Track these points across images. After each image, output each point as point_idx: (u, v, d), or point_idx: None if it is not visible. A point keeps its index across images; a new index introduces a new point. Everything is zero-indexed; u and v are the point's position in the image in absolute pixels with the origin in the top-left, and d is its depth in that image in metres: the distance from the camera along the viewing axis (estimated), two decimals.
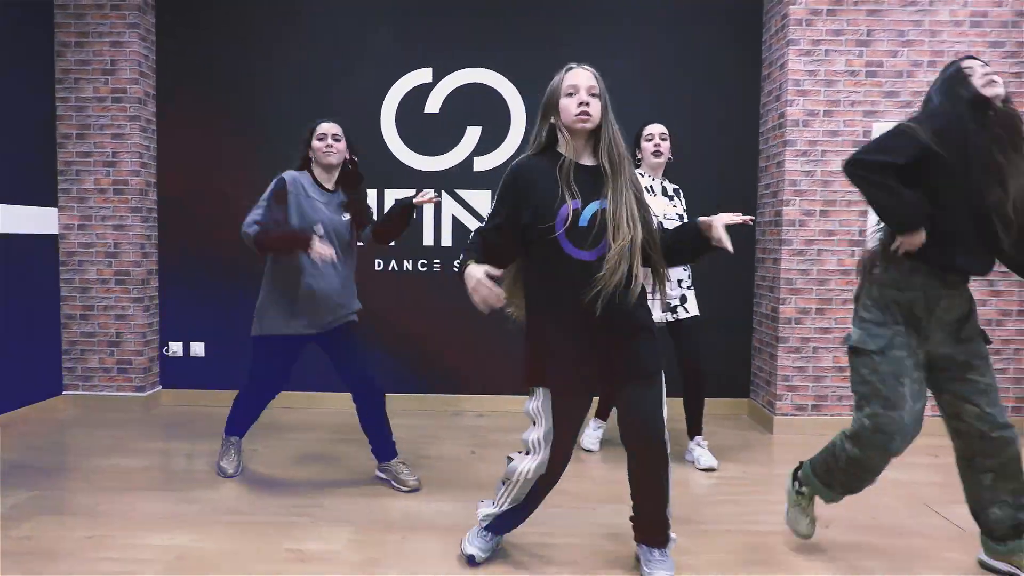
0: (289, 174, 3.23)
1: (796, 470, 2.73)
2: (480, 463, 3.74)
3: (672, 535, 2.44)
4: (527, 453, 2.41)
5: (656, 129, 3.67)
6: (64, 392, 4.73)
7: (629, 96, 4.70)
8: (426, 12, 4.74)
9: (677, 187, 3.78)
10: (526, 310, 2.38)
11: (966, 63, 2.41)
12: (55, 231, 4.66)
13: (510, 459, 2.47)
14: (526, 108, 4.75)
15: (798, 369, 4.38)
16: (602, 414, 4.03)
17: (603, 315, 2.17)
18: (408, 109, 4.79)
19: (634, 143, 3.69)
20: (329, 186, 3.29)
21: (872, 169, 2.31)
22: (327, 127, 3.25)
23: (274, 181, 3.21)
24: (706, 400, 3.81)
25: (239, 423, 3.49)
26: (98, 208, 4.67)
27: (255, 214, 3.12)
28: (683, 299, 3.67)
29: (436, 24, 4.76)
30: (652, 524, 2.41)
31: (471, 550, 2.53)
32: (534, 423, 2.38)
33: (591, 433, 4.01)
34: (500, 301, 2.19)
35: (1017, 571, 2.47)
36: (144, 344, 4.74)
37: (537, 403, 2.35)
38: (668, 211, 3.61)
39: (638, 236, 2.20)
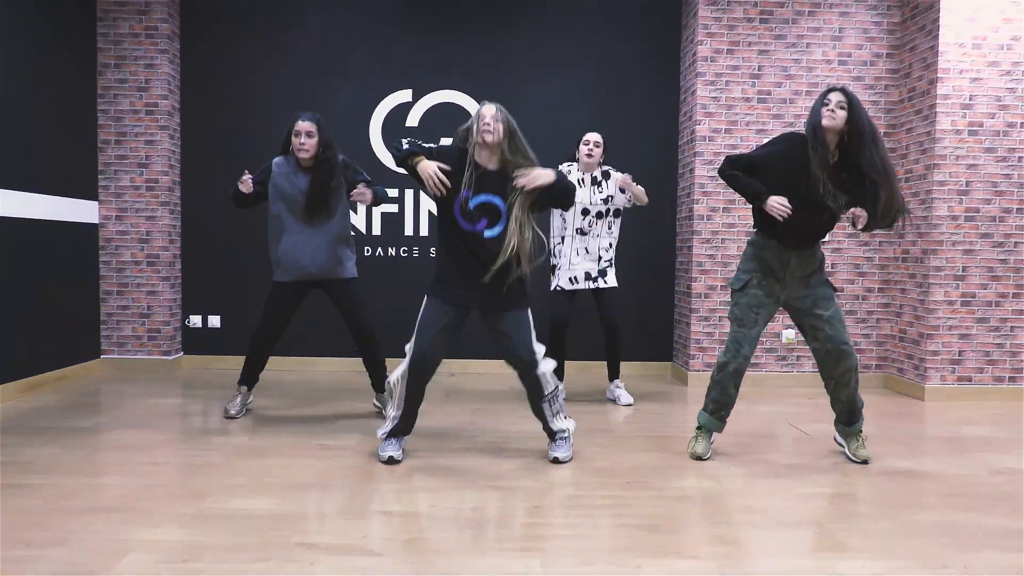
0: (277, 159, 4.12)
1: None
2: (453, 406, 4.77)
3: (564, 428, 3.52)
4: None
5: (592, 137, 4.72)
6: (102, 356, 5.64)
7: (569, 108, 5.81)
8: (403, 45, 5.78)
9: (607, 169, 4.77)
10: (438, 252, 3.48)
11: (828, 95, 3.28)
12: (96, 221, 5.58)
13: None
14: None
15: (707, 334, 5.49)
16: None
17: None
18: (392, 123, 5.81)
19: (575, 145, 4.76)
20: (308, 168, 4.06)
21: (724, 167, 3.47)
22: (302, 125, 3.95)
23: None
24: (636, 363, 4.98)
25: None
26: (132, 202, 5.60)
27: None
28: (603, 272, 4.73)
29: (415, 54, 5.80)
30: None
31: (387, 453, 3.41)
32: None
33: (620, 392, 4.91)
34: (447, 185, 3.23)
35: (847, 451, 3.63)
36: (170, 316, 5.68)
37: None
38: (593, 198, 4.68)
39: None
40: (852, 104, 3.24)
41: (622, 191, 4.66)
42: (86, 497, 2.86)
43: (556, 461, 3.45)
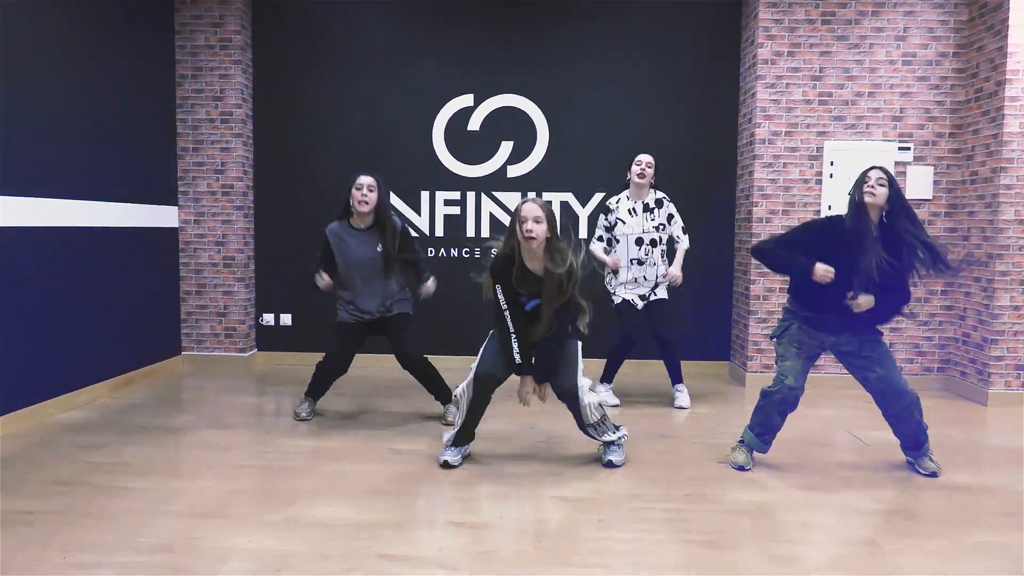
0: (330, 227, 4.33)
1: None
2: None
3: (614, 439, 3.70)
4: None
5: (644, 157, 4.82)
6: (183, 352, 5.99)
7: (627, 112, 5.87)
8: (467, 51, 5.92)
9: (661, 197, 4.89)
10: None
11: (868, 172, 3.46)
12: (175, 224, 5.89)
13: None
14: (548, 125, 5.92)
15: (765, 336, 5.54)
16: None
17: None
18: (454, 127, 5.97)
19: (627, 165, 4.87)
20: (363, 226, 4.27)
21: (765, 251, 3.65)
22: (363, 180, 4.20)
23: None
24: (694, 362, 5.22)
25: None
26: (209, 206, 5.90)
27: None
28: (656, 286, 4.85)
29: (477, 59, 5.93)
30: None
31: (443, 457, 3.64)
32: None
33: (608, 391, 5.03)
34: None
35: (928, 466, 3.66)
36: (245, 315, 5.98)
37: None
38: (646, 227, 4.79)
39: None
40: (891, 181, 3.44)
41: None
42: (186, 501, 3.12)
43: (611, 465, 3.64)
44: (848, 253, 3.42)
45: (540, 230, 3.43)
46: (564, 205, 5.97)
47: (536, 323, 3.54)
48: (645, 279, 4.81)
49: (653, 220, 4.82)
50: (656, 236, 4.80)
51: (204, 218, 5.92)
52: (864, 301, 3.44)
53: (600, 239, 4.92)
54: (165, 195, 5.76)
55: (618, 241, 4.83)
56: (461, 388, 3.64)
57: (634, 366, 5.81)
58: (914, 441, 3.67)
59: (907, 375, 5.46)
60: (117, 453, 3.74)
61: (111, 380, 5.02)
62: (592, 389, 3.71)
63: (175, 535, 2.79)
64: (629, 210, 4.83)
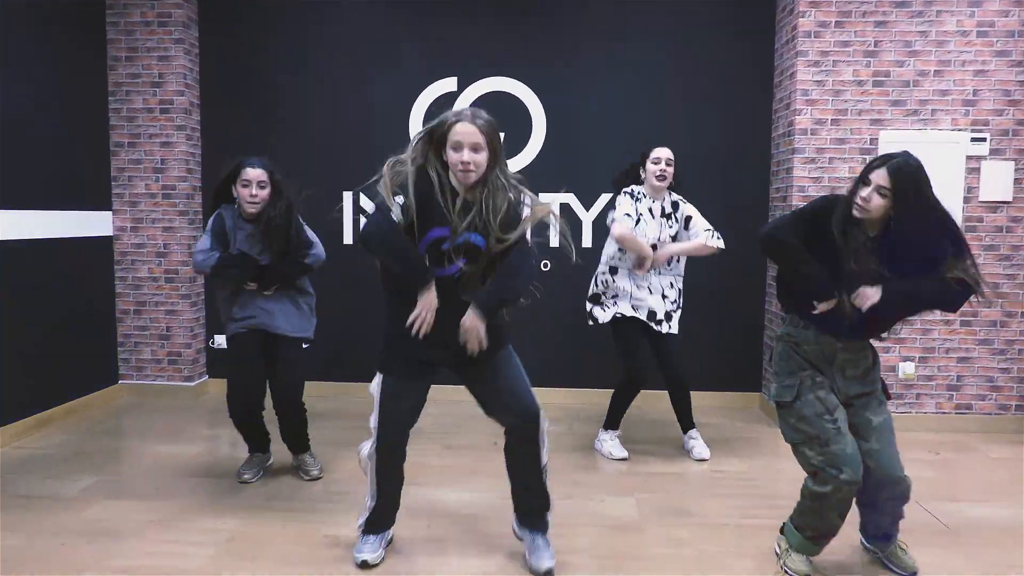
0: (223, 210, 3.46)
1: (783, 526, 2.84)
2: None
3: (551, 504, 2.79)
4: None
5: (663, 153, 3.85)
6: (120, 382, 5.14)
7: (638, 105, 4.93)
8: (450, 25, 4.99)
9: (677, 200, 3.97)
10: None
11: (870, 174, 2.44)
12: (110, 233, 5.03)
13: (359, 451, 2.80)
14: (546, 113, 4.99)
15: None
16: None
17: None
18: (435, 115, 5.04)
19: (639, 162, 3.92)
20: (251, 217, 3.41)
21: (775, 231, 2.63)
22: (253, 173, 3.30)
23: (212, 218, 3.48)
24: (717, 394, 4.45)
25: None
26: (149, 211, 5.03)
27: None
28: (668, 316, 3.91)
29: (459, 36, 5.00)
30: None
31: (361, 556, 2.73)
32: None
33: (614, 441, 4.09)
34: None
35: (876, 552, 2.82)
36: (192, 337, 5.12)
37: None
38: (663, 235, 3.87)
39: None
40: (898, 191, 2.43)
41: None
42: None
43: (550, 574, 2.67)
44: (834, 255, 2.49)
45: (480, 160, 2.45)
46: (565, 208, 5.05)
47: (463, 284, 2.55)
48: (649, 290, 3.87)
49: (671, 228, 3.91)
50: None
51: (143, 225, 5.05)
52: (870, 292, 2.44)
53: (629, 217, 3.83)
54: (96, 199, 4.90)
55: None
56: (364, 453, 2.74)
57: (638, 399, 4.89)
58: (883, 533, 2.77)
59: (978, 414, 4.52)
60: None
61: (23, 421, 4.18)
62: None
63: None
64: (649, 209, 3.89)
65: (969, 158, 4.43)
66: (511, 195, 2.53)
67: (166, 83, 4.95)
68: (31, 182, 4.25)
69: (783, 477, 3.70)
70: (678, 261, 3.96)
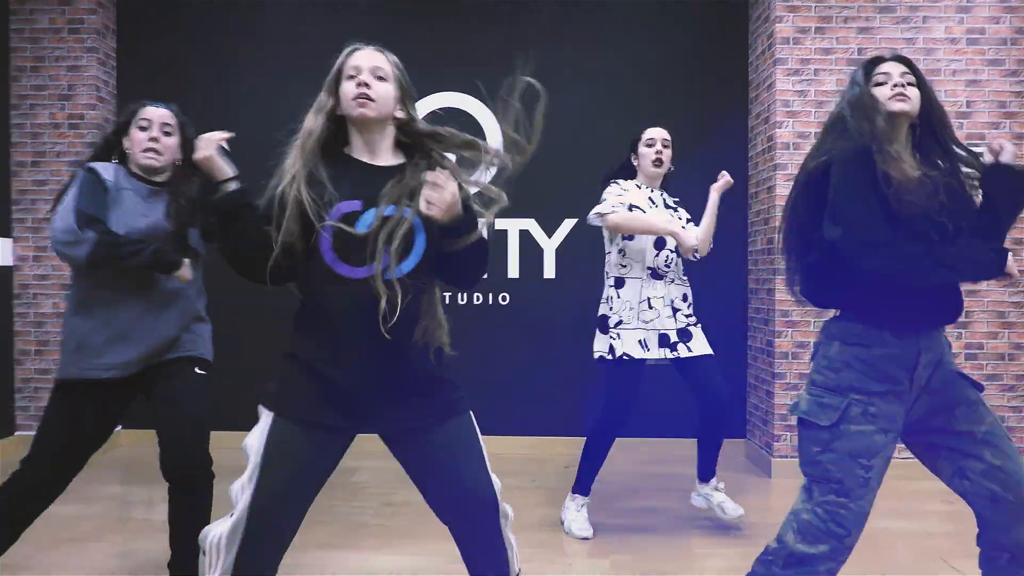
0: (92, 167, 2.35)
1: None
2: None
3: None
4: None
5: (658, 134, 3.27)
6: (17, 432, 4.49)
7: (602, 120, 4.53)
8: (396, 39, 4.57)
9: (677, 199, 3.43)
10: None
11: (882, 64, 2.00)
12: (9, 263, 4.45)
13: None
14: (502, 132, 4.54)
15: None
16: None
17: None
18: None
19: (630, 148, 3.37)
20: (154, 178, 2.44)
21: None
22: (155, 113, 2.40)
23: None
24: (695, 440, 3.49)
25: None
26: None
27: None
28: (685, 334, 3.20)
29: (407, 51, 4.57)
30: None
31: None
32: None
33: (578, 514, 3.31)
34: None
35: None
36: None
37: None
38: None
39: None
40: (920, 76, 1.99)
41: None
42: None
43: None
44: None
45: (386, 94, 1.79)
46: (524, 234, 4.57)
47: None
48: (663, 303, 3.17)
49: (680, 221, 3.27)
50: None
51: (47, 254, 4.46)
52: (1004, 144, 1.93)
53: (621, 205, 3.16)
54: None
55: (631, 238, 3.18)
56: (213, 537, 1.68)
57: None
58: None
59: None
60: None
61: None
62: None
63: None
64: (648, 199, 3.25)
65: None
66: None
67: (76, 95, 4.44)
68: None
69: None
70: (680, 267, 3.28)
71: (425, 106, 4.57)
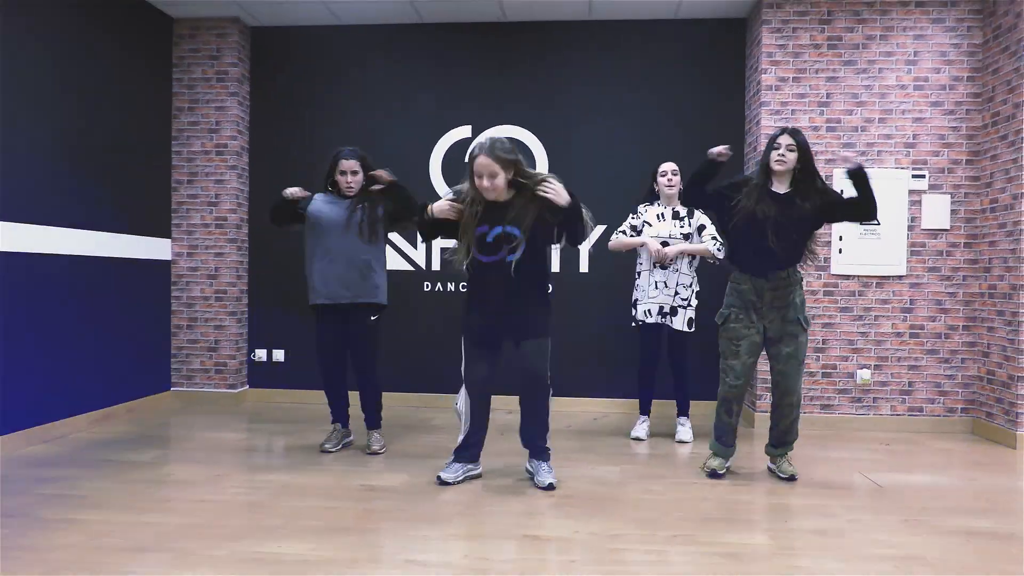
0: (319, 194, 4.31)
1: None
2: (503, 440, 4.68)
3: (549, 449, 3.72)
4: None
5: (668, 167, 4.74)
6: (172, 388, 5.82)
7: (625, 147, 5.70)
8: (464, 81, 5.82)
9: (688, 209, 4.75)
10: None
11: (777, 139, 3.67)
12: (168, 257, 5.79)
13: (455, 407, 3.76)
14: (546, 155, 5.76)
15: None
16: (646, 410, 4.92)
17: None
18: (452, 159, 5.83)
19: (651, 178, 4.80)
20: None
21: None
22: (347, 164, 4.14)
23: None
24: (699, 402, 5.07)
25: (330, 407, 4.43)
26: (203, 239, 5.80)
27: None
28: (673, 311, 4.65)
29: (473, 89, 5.82)
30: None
31: (441, 475, 3.64)
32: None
33: (639, 425, 4.85)
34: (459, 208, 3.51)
35: (774, 467, 3.91)
36: (236, 350, 5.82)
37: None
38: (673, 231, 4.64)
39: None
40: (801, 147, 3.63)
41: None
42: (127, 536, 2.89)
43: (551, 488, 3.55)
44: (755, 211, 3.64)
45: (499, 184, 3.34)
46: None
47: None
48: (666, 285, 4.64)
49: (682, 227, 4.68)
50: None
51: (197, 251, 5.82)
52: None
53: (624, 233, 4.76)
54: (159, 227, 5.68)
55: (643, 244, 4.70)
56: (460, 400, 3.68)
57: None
58: (780, 437, 3.84)
59: (928, 416, 5.12)
60: (73, 486, 3.54)
61: (90, 414, 4.85)
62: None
63: (106, 571, 2.56)
64: (657, 215, 4.72)
65: (911, 192, 5.14)
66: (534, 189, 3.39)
67: (221, 129, 5.77)
68: (104, 209, 5.04)
69: (754, 460, 4.31)
70: (691, 265, 4.69)
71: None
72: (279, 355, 5.96)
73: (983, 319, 5.05)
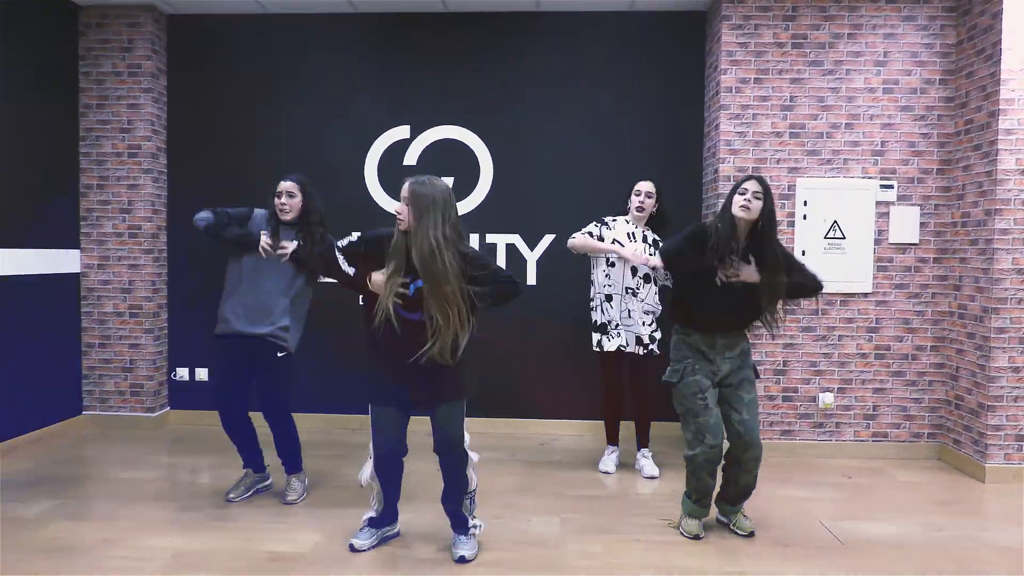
0: (260, 211, 3.89)
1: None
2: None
3: (474, 523, 3.27)
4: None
5: (644, 187, 4.34)
6: (83, 412, 5.34)
7: (579, 149, 5.29)
8: (403, 77, 5.34)
9: (657, 238, 4.39)
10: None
11: (744, 184, 3.25)
12: (77, 270, 5.28)
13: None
14: (492, 159, 5.33)
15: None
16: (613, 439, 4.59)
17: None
18: (388, 162, 5.38)
19: (627, 193, 4.41)
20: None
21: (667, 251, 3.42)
22: (283, 185, 3.76)
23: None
24: (667, 424, 4.82)
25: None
26: (115, 250, 5.29)
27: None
28: (652, 339, 4.35)
29: (413, 86, 5.35)
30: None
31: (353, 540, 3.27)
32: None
33: (607, 457, 4.53)
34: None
35: (727, 521, 3.56)
36: (154, 370, 5.35)
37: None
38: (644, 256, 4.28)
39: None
40: (767, 194, 3.23)
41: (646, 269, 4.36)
42: None
43: (463, 560, 3.15)
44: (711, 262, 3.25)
45: (404, 216, 2.96)
46: (510, 248, 5.37)
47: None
48: (631, 315, 4.30)
49: (651, 254, 4.29)
50: (650, 272, 4.32)
51: (109, 263, 5.31)
52: (745, 273, 3.27)
53: (590, 235, 4.34)
54: (66, 237, 5.16)
55: (612, 265, 4.31)
56: (366, 475, 3.26)
57: (589, 427, 5.17)
58: (740, 496, 3.49)
59: (894, 442, 4.83)
60: None
61: None
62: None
63: None
64: (629, 234, 4.33)
65: (879, 203, 4.80)
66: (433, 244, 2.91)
67: (134, 129, 5.25)
68: (11, 220, 4.52)
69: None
70: (656, 297, 4.36)
71: (427, 138, 5.37)
72: (202, 373, 5.50)
73: (952, 340, 4.75)
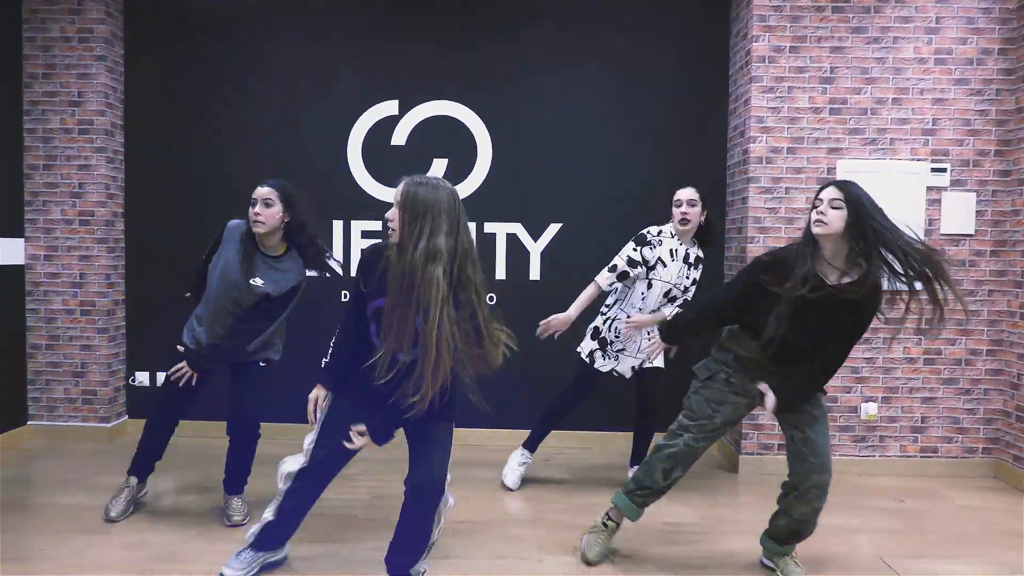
0: (233, 223, 3.27)
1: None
2: None
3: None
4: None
5: (684, 195, 3.69)
6: (29, 422, 4.73)
7: (587, 131, 4.71)
8: (392, 47, 4.75)
9: (701, 255, 3.82)
10: None
11: (820, 193, 2.64)
12: (21, 261, 4.66)
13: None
14: (491, 139, 4.74)
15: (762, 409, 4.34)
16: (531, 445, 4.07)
17: None
18: (375, 141, 4.78)
19: (669, 205, 3.79)
20: (271, 251, 3.22)
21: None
22: (259, 192, 3.13)
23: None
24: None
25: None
26: (64, 239, 4.67)
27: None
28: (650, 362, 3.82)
29: (402, 57, 4.76)
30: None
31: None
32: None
33: (517, 468, 3.99)
34: None
35: (774, 566, 2.96)
36: (110, 375, 4.74)
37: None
38: (681, 279, 3.71)
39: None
40: (853, 202, 2.58)
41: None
42: None
43: None
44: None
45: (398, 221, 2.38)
46: (511, 238, 4.78)
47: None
48: (638, 343, 3.79)
49: (688, 275, 3.75)
50: (685, 297, 3.75)
51: (57, 253, 4.69)
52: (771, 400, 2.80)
53: (614, 270, 3.70)
54: (7, 224, 4.54)
55: (650, 287, 3.70)
56: (287, 469, 2.68)
57: (598, 439, 4.61)
58: (793, 533, 2.89)
59: (944, 458, 4.29)
60: None
61: None
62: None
63: None
64: (671, 250, 3.70)
65: (929, 189, 4.26)
66: None
67: (86, 102, 4.63)
68: None
69: (738, 530, 3.41)
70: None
71: (419, 113, 4.77)
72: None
73: (1012, 343, 4.21)
